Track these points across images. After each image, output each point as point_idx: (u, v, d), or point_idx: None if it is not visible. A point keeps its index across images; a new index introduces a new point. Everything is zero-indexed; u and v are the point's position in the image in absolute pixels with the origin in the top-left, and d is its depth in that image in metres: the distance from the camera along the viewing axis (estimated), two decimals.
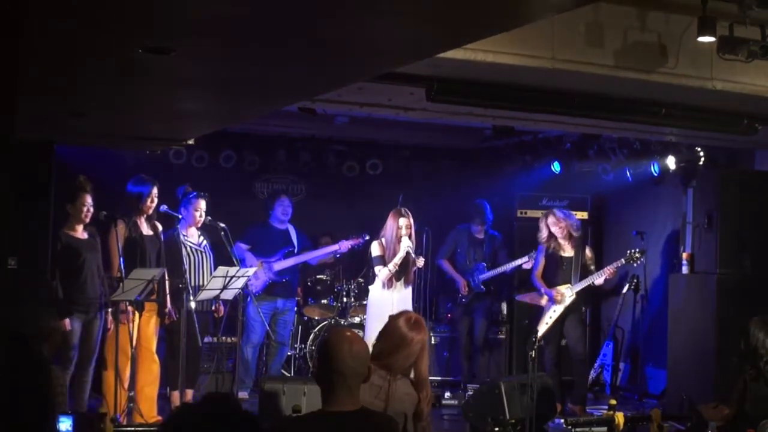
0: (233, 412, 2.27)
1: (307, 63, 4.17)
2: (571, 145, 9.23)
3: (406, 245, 7.48)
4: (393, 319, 4.23)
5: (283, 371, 8.80)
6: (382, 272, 7.55)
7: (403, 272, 7.58)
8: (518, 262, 8.82)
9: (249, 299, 7.80)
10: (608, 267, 8.07)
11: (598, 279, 7.99)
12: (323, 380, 3.30)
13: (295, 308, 8.83)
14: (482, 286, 9.02)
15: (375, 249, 7.64)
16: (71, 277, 6.61)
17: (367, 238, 8.60)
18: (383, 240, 7.60)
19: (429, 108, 6.63)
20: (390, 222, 7.58)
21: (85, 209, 6.72)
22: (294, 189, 10.19)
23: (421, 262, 7.70)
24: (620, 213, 10.04)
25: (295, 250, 8.62)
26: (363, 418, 3.29)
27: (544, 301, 8.05)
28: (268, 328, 8.11)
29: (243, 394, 7.99)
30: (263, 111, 6.69)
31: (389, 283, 7.54)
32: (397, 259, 7.50)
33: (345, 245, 8.71)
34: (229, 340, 8.07)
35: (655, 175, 8.83)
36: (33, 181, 6.62)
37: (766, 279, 7.48)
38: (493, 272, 8.98)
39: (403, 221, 7.53)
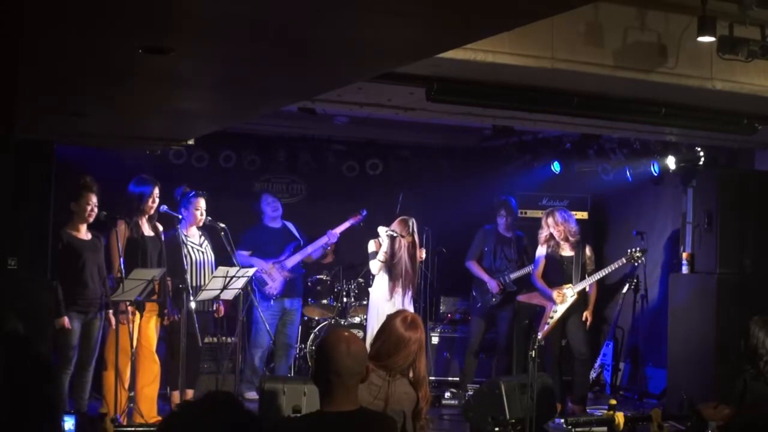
0: (234, 410, 2.26)
1: (307, 63, 4.17)
2: (571, 145, 9.23)
3: (384, 231, 7.58)
4: (390, 319, 4.23)
5: None
6: (373, 265, 7.66)
7: (400, 275, 7.58)
8: None
9: (253, 302, 7.77)
10: (608, 267, 8.08)
11: (598, 278, 8.01)
12: (321, 381, 3.30)
13: (301, 307, 8.81)
14: (513, 285, 8.84)
15: (371, 246, 7.78)
16: (71, 277, 6.61)
17: (366, 213, 8.60)
18: (380, 239, 7.72)
19: (429, 108, 6.62)
20: (396, 227, 7.69)
21: (89, 208, 6.72)
22: (294, 189, 10.19)
23: (423, 253, 7.70)
24: (620, 213, 10.03)
25: (302, 243, 8.60)
26: (361, 418, 3.29)
27: (545, 301, 8.04)
28: (269, 330, 8.05)
29: (252, 395, 7.98)
30: (263, 111, 6.69)
31: (390, 293, 7.59)
32: (385, 247, 7.59)
33: (333, 235, 8.64)
34: (228, 340, 8.06)
35: (655, 175, 8.82)
36: (33, 181, 6.61)
37: (766, 279, 7.48)
38: (522, 270, 8.76)
39: (405, 233, 7.63)
